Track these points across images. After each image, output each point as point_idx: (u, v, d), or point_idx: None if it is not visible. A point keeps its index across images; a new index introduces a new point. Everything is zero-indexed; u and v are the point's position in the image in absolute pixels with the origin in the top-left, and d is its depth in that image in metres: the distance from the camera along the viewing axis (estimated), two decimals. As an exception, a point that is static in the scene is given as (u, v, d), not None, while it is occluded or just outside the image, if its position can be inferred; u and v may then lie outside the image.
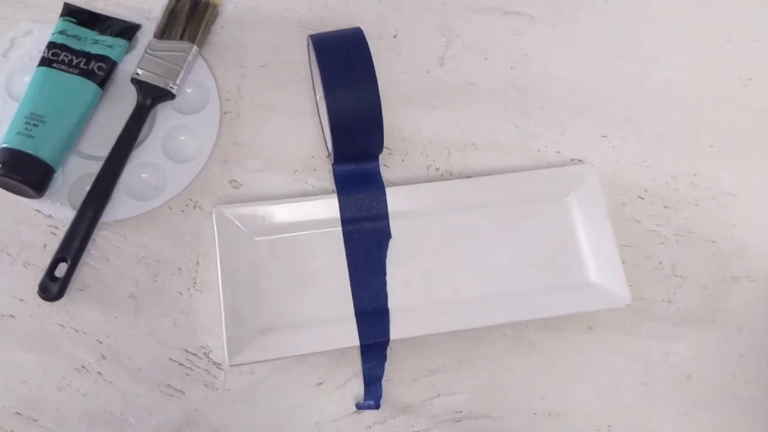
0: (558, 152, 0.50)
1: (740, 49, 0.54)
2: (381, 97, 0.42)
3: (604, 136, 0.51)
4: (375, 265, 0.44)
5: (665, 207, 0.49)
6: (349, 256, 0.44)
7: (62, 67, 0.45)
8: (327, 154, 0.48)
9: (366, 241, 0.45)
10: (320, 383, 0.43)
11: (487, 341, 0.45)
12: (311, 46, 0.44)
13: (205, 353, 0.43)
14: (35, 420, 0.41)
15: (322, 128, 0.48)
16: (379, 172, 0.47)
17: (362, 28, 0.44)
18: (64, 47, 0.46)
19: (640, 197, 0.49)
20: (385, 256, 0.45)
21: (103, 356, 0.43)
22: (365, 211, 0.45)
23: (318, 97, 0.48)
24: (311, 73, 0.49)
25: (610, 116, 0.51)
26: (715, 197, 0.50)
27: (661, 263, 0.48)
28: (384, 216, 0.45)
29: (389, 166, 0.48)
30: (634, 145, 0.51)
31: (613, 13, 0.54)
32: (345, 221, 0.45)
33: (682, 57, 0.54)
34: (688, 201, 0.50)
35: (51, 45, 0.46)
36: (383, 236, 0.45)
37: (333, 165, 0.46)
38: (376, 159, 0.47)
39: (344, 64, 0.42)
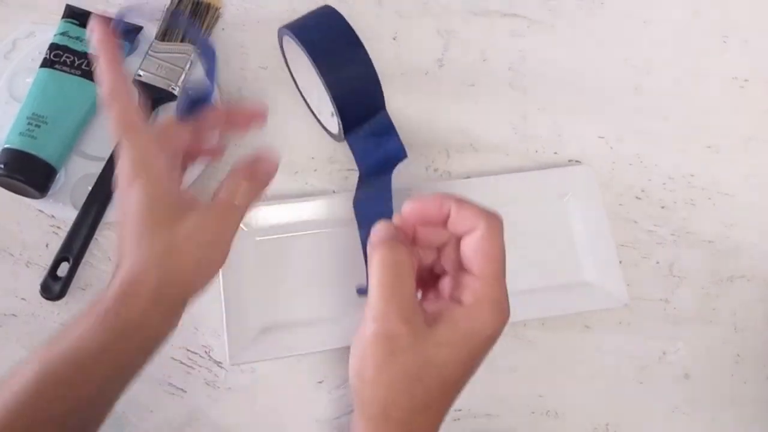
0: (556, 153, 0.50)
1: (737, 50, 0.55)
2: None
3: (602, 137, 0.51)
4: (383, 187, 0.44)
5: (662, 207, 0.50)
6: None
7: (64, 68, 0.45)
8: (330, 134, 0.48)
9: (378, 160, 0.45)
10: (320, 382, 0.43)
11: (486, 340, 0.45)
12: (285, 35, 0.44)
13: (206, 352, 0.43)
14: (37, 418, 0.41)
15: (314, 115, 0.48)
16: (389, 120, 0.45)
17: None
18: (66, 48, 0.46)
19: (637, 198, 0.50)
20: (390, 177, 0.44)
21: (104, 355, 0.43)
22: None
23: (301, 86, 0.48)
24: (288, 67, 0.49)
25: (608, 117, 0.52)
26: (712, 197, 0.50)
27: (658, 263, 0.48)
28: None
29: (389, 166, 0.48)
30: (631, 146, 0.51)
31: (610, 15, 0.55)
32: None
33: (679, 58, 0.54)
34: (686, 201, 0.50)
35: (53, 46, 0.46)
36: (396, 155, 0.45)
37: (345, 136, 0.45)
38: (383, 108, 0.45)
39: (321, 32, 0.42)
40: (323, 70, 0.41)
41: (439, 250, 0.34)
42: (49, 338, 0.31)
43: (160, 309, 0.32)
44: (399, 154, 0.45)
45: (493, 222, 0.31)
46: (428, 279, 0.34)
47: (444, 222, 0.32)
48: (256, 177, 0.35)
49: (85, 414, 0.31)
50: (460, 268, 0.32)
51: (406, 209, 0.33)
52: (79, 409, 0.30)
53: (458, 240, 0.32)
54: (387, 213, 0.42)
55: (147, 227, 0.31)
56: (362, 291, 0.42)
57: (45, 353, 0.30)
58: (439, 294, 0.34)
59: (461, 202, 0.32)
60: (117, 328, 0.30)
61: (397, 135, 0.45)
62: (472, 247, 0.31)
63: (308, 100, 0.48)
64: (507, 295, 0.31)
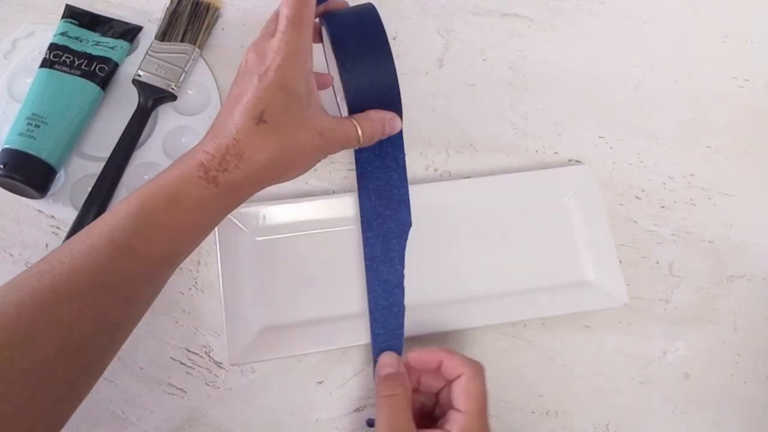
0: (556, 153, 0.50)
1: (737, 49, 0.55)
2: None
3: (602, 137, 0.51)
4: (393, 257, 0.44)
5: (662, 207, 0.50)
6: (366, 247, 0.44)
7: (64, 68, 0.45)
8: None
9: (385, 232, 0.44)
10: (320, 382, 0.43)
11: (486, 340, 0.45)
12: (324, 27, 0.43)
13: (206, 352, 0.43)
14: (37, 419, 0.41)
15: (338, 110, 0.47)
16: (401, 147, 0.46)
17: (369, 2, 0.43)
18: (65, 49, 0.46)
19: (637, 197, 0.50)
20: (404, 247, 0.44)
21: (104, 355, 0.43)
22: (383, 200, 0.45)
23: (334, 85, 0.47)
24: (326, 56, 0.48)
25: (608, 117, 0.52)
26: (712, 197, 0.50)
27: (658, 263, 0.48)
28: (405, 200, 0.45)
29: (389, 166, 0.48)
30: (631, 146, 0.51)
31: (610, 14, 0.55)
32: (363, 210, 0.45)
33: (679, 58, 0.54)
34: (685, 201, 0.50)
35: (53, 46, 0.46)
36: (403, 224, 0.44)
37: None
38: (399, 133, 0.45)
39: (358, 38, 0.40)
40: (346, 76, 0.40)
41: (437, 396, 0.40)
42: (151, 180, 0.34)
43: (245, 188, 0.35)
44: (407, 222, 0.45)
45: (476, 368, 0.37)
46: (429, 420, 0.39)
47: (438, 369, 0.39)
48: (389, 131, 0.41)
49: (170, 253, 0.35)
50: (451, 406, 0.38)
51: (410, 358, 0.40)
52: (169, 250, 0.34)
53: (450, 385, 0.38)
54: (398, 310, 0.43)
55: (274, 116, 0.34)
56: (371, 423, 0.42)
57: (146, 191, 0.33)
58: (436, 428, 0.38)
59: (451, 352, 0.38)
60: (212, 188, 0.34)
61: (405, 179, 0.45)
62: (458, 389, 0.37)
63: (333, 83, 0.47)
64: (487, 427, 0.37)
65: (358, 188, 0.45)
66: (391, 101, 0.41)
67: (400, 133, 0.45)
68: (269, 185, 0.37)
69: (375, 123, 0.40)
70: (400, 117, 0.43)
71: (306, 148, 0.36)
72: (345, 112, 0.43)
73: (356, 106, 0.40)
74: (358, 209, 0.45)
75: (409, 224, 0.44)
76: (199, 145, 0.35)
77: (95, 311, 0.32)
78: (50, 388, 0.31)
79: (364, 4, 0.42)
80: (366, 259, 0.44)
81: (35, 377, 0.30)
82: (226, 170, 0.34)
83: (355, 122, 0.39)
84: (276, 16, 0.39)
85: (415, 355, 0.39)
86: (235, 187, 0.34)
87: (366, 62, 0.40)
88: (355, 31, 0.40)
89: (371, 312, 0.43)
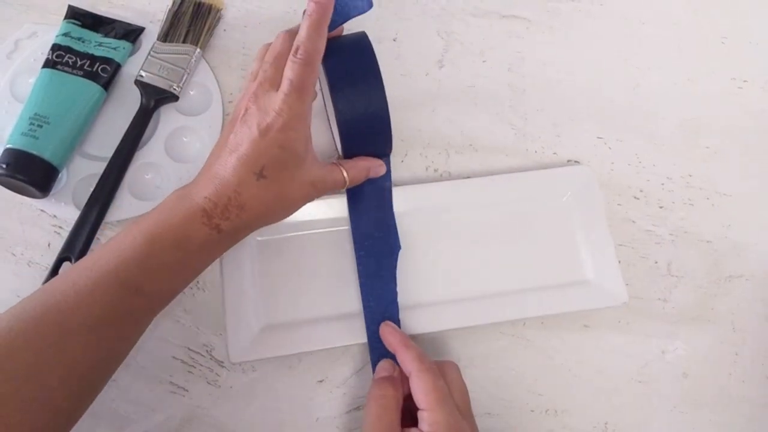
0: (555, 153, 0.50)
1: (736, 50, 0.55)
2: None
3: (600, 138, 0.51)
4: (385, 275, 0.44)
5: (661, 207, 0.50)
6: (360, 266, 0.44)
7: (66, 68, 0.46)
8: (337, 156, 0.48)
9: (376, 252, 0.45)
10: (321, 380, 0.44)
11: (485, 339, 0.45)
12: None
13: (207, 351, 0.43)
14: (39, 417, 0.42)
15: (332, 135, 0.48)
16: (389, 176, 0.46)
17: (362, 31, 0.44)
18: (68, 49, 0.46)
19: (635, 198, 0.50)
20: (395, 266, 0.45)
21: (106, 354, 0.43)
22: (373, 222, 0.45)
23: (328, 107, 0.48)
24: (319, 79, 0.49)
25: (607, 118, 0.52)
26: (710, 197, 0.51)
27: (656, 263, 0.48)
28: (392, 225, 0.45)
29: (389, 166, 0.49)
30: (629, 147, 0.51)
31: (609, 15, 0.55)
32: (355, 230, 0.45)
33: (678, 59, 0.54)
34: (684, 201, 0.50)
35: (55, 47, 0.46)
36: (392, 246, 0.45)
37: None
38: (386, 159, 0.46)
39: (351, 70, 0.41)
40: (340, 108, 0.41)
41: None
42: (152, 218, 0.36)
43: (243, 232, 0.39)
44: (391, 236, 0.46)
45: (425, 363, 0.38)
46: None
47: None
48: (372, 175, 0.44)
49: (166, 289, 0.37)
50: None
51: (381, 331, 0.42)
52: (170, 289, 0.37)
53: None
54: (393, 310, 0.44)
55: (273, 172, 0.37)
56: None
57: (151, 232, 0.35)
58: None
59: (407, 346, 0.39)
60: (214, 235, 0.37)
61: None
62: (413, 388, 0.37)
63: (328, 110, 0.48)
64: (451, 414, 0.36)
65: (349, 209, 0.45)
66: (382, 131, 0.43)
67: (388, 171, 0.46)
68: (263, 226, 0.40)
69: (361, 171, 0.43)
70: (390, 147, 0.44)
71: (299, 198, 0.40)
72: (336, 132, 0.44)
73: (349, 140, 0.42)
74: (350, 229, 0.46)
75: (398, 247, 0.45)
76: (200, 186, 0.37)
77: (99, 344, 0.34)
78: (51, 415, 0.32)
79: (358, 34, 0.43)
80: (360, 276, 0.44)
81: (38, 406, 0.32)
82: (228, 219, 0.37)
83: (343, 170, 0.41)
84: (275, 58, 0.39)
85: (383, 332, 0.42)
86: (235, 232, 0.38)
87: (358, 97, 0.41)
88: (350, 66, 0.41)
89: (368, 327, 0.43)
